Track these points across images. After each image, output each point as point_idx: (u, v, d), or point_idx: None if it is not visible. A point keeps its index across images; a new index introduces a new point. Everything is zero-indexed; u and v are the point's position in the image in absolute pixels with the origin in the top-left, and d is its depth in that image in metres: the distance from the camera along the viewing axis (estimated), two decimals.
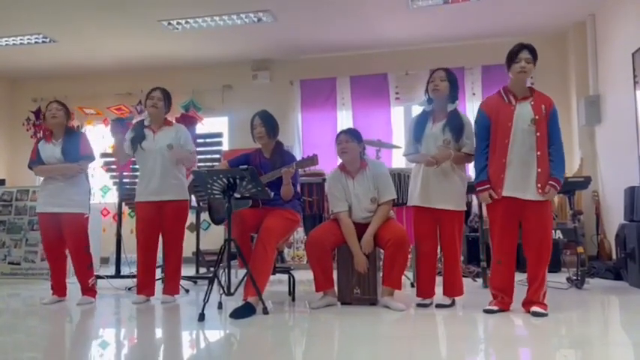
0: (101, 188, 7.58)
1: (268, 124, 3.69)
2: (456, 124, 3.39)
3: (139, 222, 3.89)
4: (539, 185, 3.10)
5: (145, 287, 3.90)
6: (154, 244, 3.92)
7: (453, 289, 3.47)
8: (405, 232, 3.54)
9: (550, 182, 3.11)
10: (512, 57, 3.20)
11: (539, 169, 3.12)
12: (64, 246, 3.94)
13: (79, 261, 3.91)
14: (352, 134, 3.63)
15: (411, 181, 3.59)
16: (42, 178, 4.01)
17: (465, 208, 3.51)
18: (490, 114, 3.25)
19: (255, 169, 3.42)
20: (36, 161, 3.96)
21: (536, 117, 3.14)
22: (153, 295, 3.95)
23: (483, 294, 3.62)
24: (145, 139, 3.87)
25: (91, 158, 4.03)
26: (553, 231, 5.03)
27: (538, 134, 3.13)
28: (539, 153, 3.12)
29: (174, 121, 4.16)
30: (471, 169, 3.70)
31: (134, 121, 4.22)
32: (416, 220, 3.53)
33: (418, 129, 3.50)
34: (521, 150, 3.15)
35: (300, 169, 3.63)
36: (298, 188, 3.81)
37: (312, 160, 3.49)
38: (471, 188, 3.55)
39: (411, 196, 3.54)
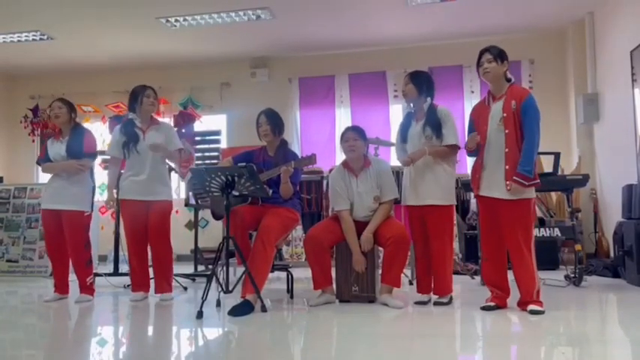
0: (99, 186, 7.55)
1: (274, 121, 3.69)
2: (433, 120, 3.43)
3: (127, 221, 3.87)
4: (507, 183, 3.09)
5: (140, 284, 3.91)
6: (143, 241, 3.90)
7: (439, 288, 3.46)
8: (406, 230, 3.55)
9: (513, 177, 3.04)
10: (477, 64, 3.26)
11: (507, 167, 3.10)
12: (66, 243, 3.94)
13: (77, 258, 3.91)
14: (359, 132, 3.64)
15: (402, 182, 3.65)
16: (49, 176, 4.03)
17: (454, 203, 3.51)
18: (475, 119, 3.34)
19: (256, 167, 3.42)
20: (44, 159, 4.02)
21: (504, 115, 3.14)
22: (148, 291, 3.95)
23: (481, 291, 3.62)
24: (139, 141, 3.84)
25: (94, 156, 4.05)
26: (551, 229, 5.03)
27: (507, 131, 3.12)
28: (507, 150, 3.11)
29: (160, 119, 4.14)
30: (467, 168, 3.71)
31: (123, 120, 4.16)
32: (408, 219, 3.58)
33: (403, 130, 3.59)
34: (494, 150, 3.18)
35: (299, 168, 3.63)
36: (297, 187, 3.81)
37: (311, 159, 3.49)
38: (467, 186, 3.56)
39: (403, 196, 3.61)
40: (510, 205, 3.11)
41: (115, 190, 3.97)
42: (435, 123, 3.42)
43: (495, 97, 3.23)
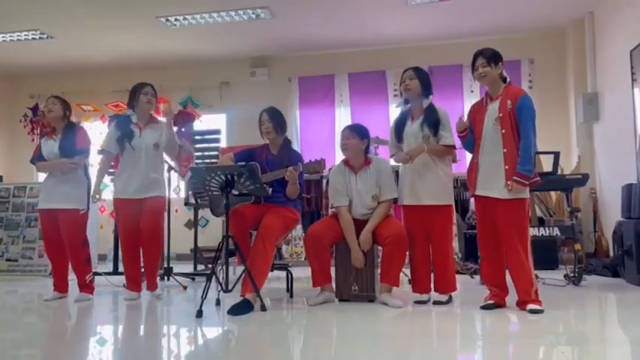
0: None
1: (276, 119, 3.70)
2: (432, 119, 3.45)
3: (121, 220, 3.88)
4: (508, 183, 3.09)
5: (136, 283, 3.91)
6: (136, 241, 3.89)
7: (445, 286, 3.48)
8: (404, 229, 3.55)
9: (513, 177, 3.05)
10: (472, 68, 3.28)
11: (506, 167, 3.11)
12: (64, 242, 3.93)
13: (75, 256, 3.90)
14: (356, 130, 3.64)
15: (399, 182, 3.63)
16: (45, 175, 4.03)
17: (453, 203, 3.53)
18: (472, 118, 3.35)
19: (257, 166, 3.42)
20: (37, 157, 4.00)
21: (500, 114, 3.15)
22: (140, 290, 3.95)
23: (481, 291, 3.62)
24: (133, 137, 3.85)
25: (87, 153, 3.99)
26: (550, 228, 5.04)
27: (503, 131, 3.13)
28: (505, 150, 3.12)
29: (159, 118, 4.12)
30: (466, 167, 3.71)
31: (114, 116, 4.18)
32: (407, 219, 3.57)
33: (398, 129, 3.59)
34: (490, 149, 3.18)
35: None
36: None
37: (320, 164, 3.50)
38: (465, 185, 3.57)
39: (400, 196, 3.58)
40: (506, 205, 3.11)
41: (99, 187, 3.97)
42: (434, 122, 3.44)
43: (493, 98, 3.25)
